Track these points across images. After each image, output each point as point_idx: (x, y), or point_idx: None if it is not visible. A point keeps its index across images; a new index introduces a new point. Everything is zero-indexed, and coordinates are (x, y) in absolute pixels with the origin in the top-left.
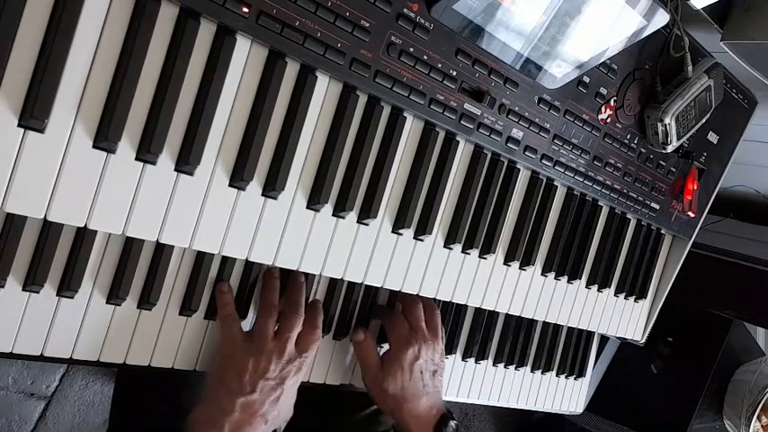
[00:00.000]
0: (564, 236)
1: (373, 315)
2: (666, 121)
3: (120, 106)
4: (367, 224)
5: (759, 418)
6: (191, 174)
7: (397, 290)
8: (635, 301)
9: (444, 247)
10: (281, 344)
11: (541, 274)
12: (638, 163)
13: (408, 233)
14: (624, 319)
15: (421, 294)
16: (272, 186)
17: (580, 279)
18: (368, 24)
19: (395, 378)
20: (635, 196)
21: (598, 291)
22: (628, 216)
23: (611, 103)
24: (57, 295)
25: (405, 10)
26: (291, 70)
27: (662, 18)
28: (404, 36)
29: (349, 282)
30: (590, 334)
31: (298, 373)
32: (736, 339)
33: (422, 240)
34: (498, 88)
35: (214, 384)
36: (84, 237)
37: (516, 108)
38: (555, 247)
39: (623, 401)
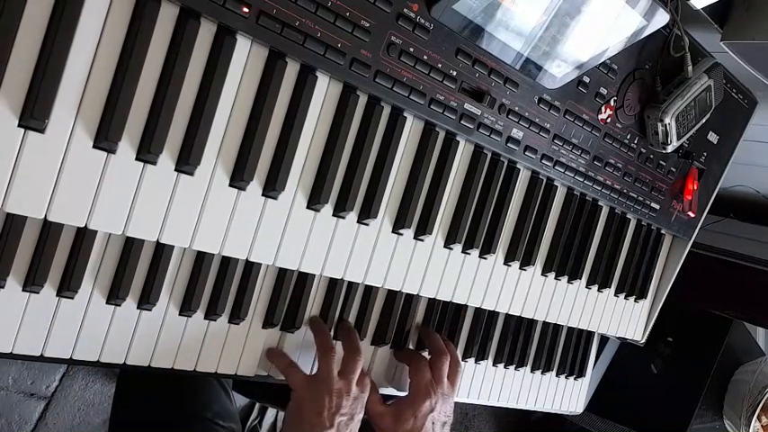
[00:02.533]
0: (564, 236)
1: (400, 357)
2: (666, 121)
3: (121, 106)
4: (367, 224)
5: (759, 418)
6: (191, 174)
7: (397, 290)
8: (635, 301)
9: (444, 247)
10: (347, 382)
11: (541, 275)
12: (638, 163)
13: (408, 233)
14: (624, 319)
15: (421, 294)
16: (273, 186)
17: (580, 279)
18: (368, 24)
19: (406, 423)
20: (635, 196)
21: (598, 291)
22: (628, 216)
23: (611, 103)
24: (57, 295)
25: (405, 10)
26: (291, 70)
27: (662, 18)
28: (404, 36)
29: (349, 282)
30: (590, 334)
31: (362, 411)
32: (736, 339)
33: (422, 240)
34: (498, 88)
35: (296, 423)
36: (84, 237)
37: (516, 108)
38: (555, 247)
39: (623, 401)
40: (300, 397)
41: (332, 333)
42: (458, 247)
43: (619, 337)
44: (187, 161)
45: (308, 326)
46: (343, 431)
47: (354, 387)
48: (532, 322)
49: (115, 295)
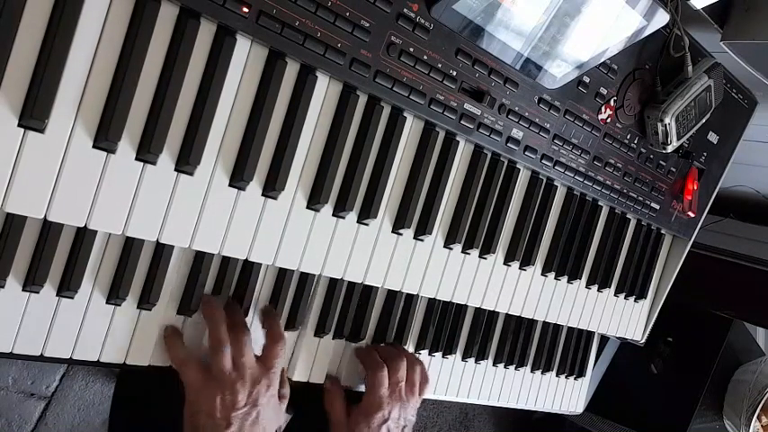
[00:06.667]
0: (564, 236)
1: (358, 356)
2: (666, 121)
3: (120, 106)
4: (367, 224)
5: (759, 418)
6: (191, 174)
7: (397, 290)
8: (635, 301)
9: (444, 247)
10: (239, 371)
11: (541, 274)
12: (638, 163)
13: (408, 233)
14: (624, 319)
15: (421, 294)
16: (272, 186)
17: (580, 279)
18: (368, 24)
19: None
20: (635, 196)
21: (598, 291)
22: (628, 216)
23: (611, 103)
24: (57, 295)
25: (405, 10)
26: (291, 70)
27: (662, 18)
28: (404, 36)
29: (349, 282)
30: (590, 334)
31: (270, 388)
32: (736, 339)
33: (422, 240)
34: (498, 88)
35: (190, 428)
36: (84, 237)
37: (516, 108)
38: (555, 247)
39: (623, 401)
40: (193, 400)
41: (332, 334)
42: (458, 247)
43: (619, 337)
44: (187, 161)
45: (201, 313)
46: (245, 422)
47: (251, 369)
48: (532, 322)
49: (115, 295)
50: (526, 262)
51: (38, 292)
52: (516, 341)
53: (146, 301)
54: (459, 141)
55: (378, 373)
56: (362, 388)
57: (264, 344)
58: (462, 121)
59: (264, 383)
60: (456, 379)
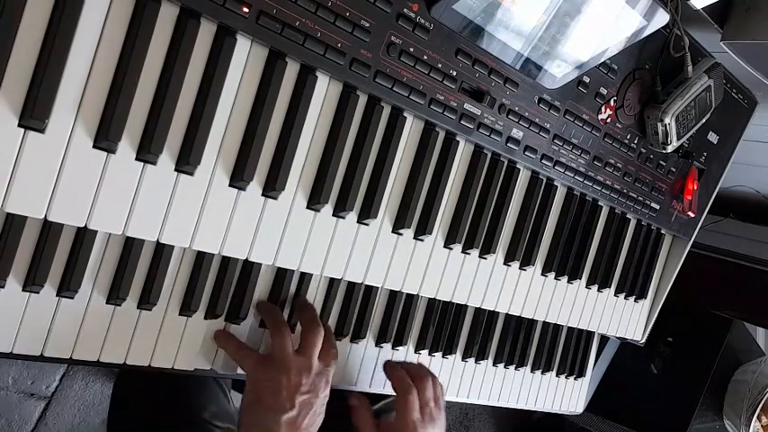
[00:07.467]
0: (564, 236)
1: (389, 375)
2: (666, 121)
3: (121, 106)
4: (367, 224)
5: (759, 418)
6: (191, 174)
7: (397, 290)
8: (635, 301)
9: (444, 247)
10: (306, 359)
11: (541, 275)
12: (638, 163)
13: (408, 233)
14: (624, 319)
15: (421, 294)
16: (273, 186)
17: (580, 279)
18: (368, 24)
19: None
20: (635, 196)
21: (598, 291)
22: (628, 216)
23: (611, 103)
24: (57, 295)
25: (405, 10)
26: (291, 70)
27: (662, 18)
28: (404, 36)
29: (349, 282)
30: (590, 334)
31: (327, 387)
32: (736, 339)
33: (422, 240)
34: (498, 88)
35: (252, 409)
36: (84, 237)
37: (516, 108)
38: (555, 247)
39: (623, 401)
40: (255, 380)
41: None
42: (458, 247)
43: (619, 337)
44: (187, 161)
45: (256, 310)
46: (306, 410)
47: (316, 362)
48: (532, 322)
49: (115, 295)
50: (526, 262)
51: (38, 293)
52: (516, 341)
53: (146, 302)
54: (459, 141)
55: (409, 397)
56: (360, 388)
57: (322, 346)
58: (462, 121)
59: (324, 378)
60: (456, 379)
